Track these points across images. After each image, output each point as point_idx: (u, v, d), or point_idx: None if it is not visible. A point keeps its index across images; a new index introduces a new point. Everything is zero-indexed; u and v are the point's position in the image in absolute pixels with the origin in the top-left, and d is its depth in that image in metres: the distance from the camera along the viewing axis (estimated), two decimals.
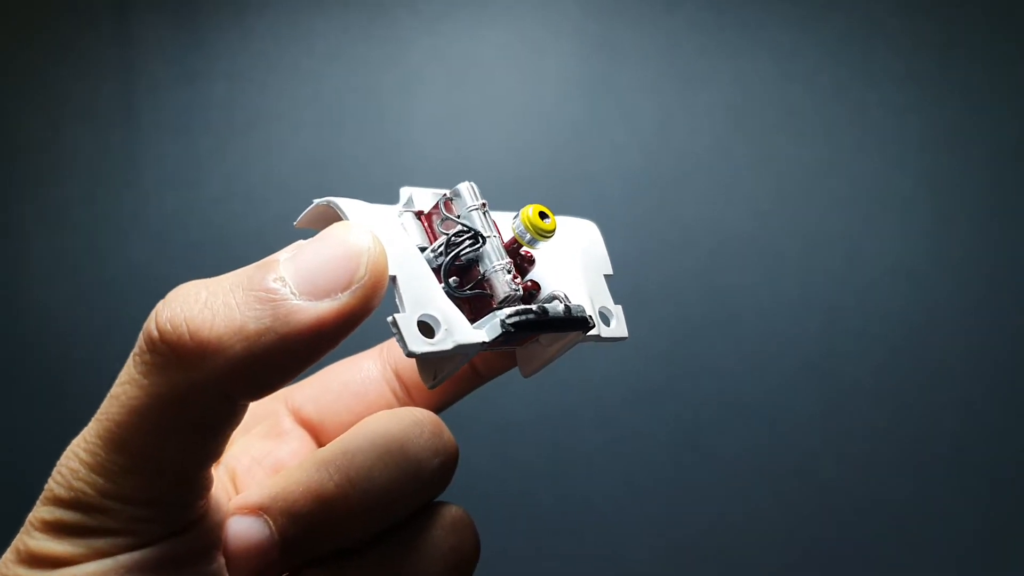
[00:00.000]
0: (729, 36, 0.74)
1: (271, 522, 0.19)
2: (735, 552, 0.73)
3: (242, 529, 0.19)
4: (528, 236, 0.21)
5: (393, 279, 0.19)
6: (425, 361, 0.21)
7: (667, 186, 0.75)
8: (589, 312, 0.22)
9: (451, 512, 0.22)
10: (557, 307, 0.21)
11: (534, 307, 0.20)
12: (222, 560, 0.20)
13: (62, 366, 0.81)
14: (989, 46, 0.72)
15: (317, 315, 0.17)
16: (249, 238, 0.79)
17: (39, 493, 0.20)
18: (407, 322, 0.19)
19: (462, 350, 0.19)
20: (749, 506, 0.73)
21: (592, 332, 0.22)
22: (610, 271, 0.24)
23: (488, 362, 0.24)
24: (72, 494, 0.18)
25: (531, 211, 0.21)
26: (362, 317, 0.18)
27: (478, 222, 0.22)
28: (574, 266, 0.23)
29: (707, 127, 0.75)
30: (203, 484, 0.19)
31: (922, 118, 0.73)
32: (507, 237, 0.22)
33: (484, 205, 0.22)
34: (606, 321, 0.23)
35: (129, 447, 0.18)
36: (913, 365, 0.72)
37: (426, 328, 0.19)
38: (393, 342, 0.24)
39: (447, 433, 0.22)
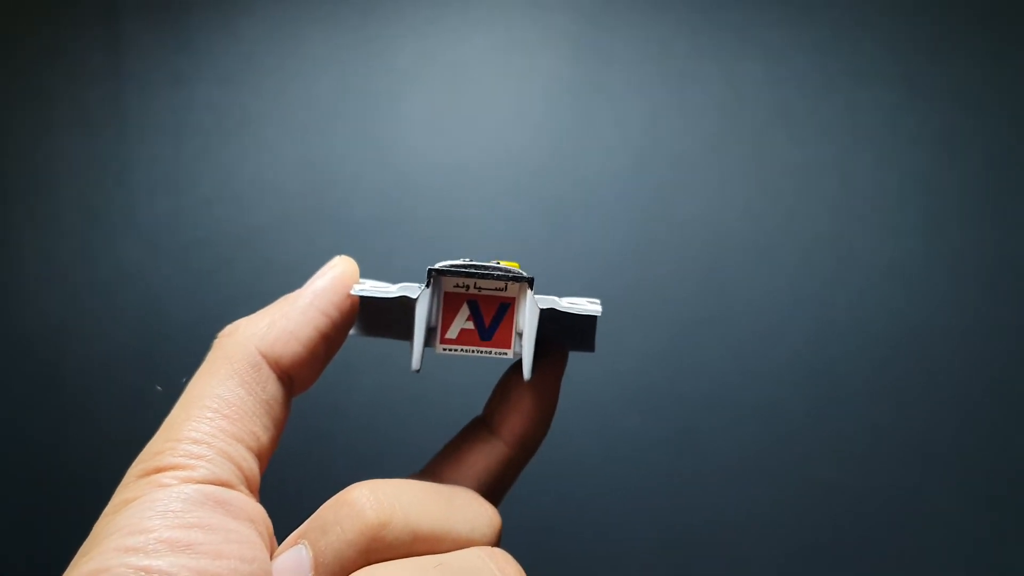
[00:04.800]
0: (719, 37, 0.75)
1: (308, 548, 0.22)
2: (731, 551, 0.73)
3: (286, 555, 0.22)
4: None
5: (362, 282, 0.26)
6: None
7: (659, 187, 0.75)
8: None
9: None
10: (492, 264, 0.24)
11: (466, 260, 0.24)
12: (261, 529, 0.22)
13: (54, 367, 0.81)
14: (980, 45, 0.73)
15: (310, 287, 0.26)
16: (239, 240, 0.79)
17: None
18: (358, 288, 0.26)
19: (404, 289, 0.25)
20: (744, 505, 0.73)
21: (543, 297, 0.25)
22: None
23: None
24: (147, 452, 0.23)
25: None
26: (333, 288, 0.26)
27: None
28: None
29: (698, 128, 0.75)
30: (248, 441, 0.23)
31: (913, 117, 0.73)
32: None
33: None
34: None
35: (184, 403, 0.23)
36: (906, 363, 0.72)
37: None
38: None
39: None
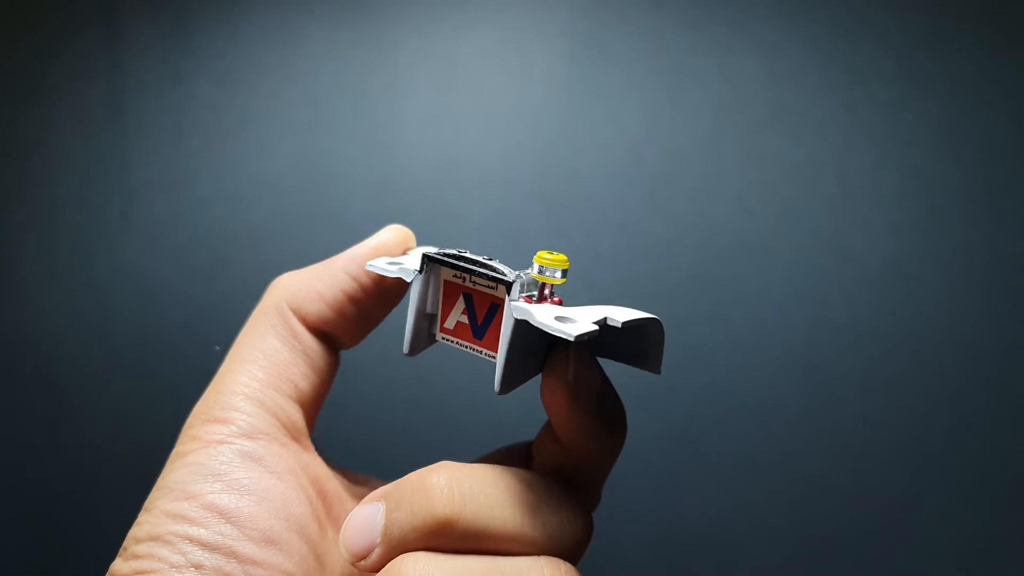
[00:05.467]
0: (717, 33, 0.75)
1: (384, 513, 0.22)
2: (725, 548, 0.73)
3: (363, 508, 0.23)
4: (538, 267, 0.23)
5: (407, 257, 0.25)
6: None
7: (656, 184, 0.75)
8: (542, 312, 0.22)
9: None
10: (482, 259, 0.23)
11: (456, 251, 0.23)
12: (302, 480, 0.24)
13: (51, 365, 0.81)
14: (979, 41, 0.73)
15: (349, 251, 0.26)
16: (238, 238, 0.79)
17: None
18: (377, 261, 0.25)
19: (402, 272, 0.24)
20: (739, 502, 0.73)
21: (520, 306, 0.22)
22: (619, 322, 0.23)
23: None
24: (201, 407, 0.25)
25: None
26: (368, 255, 0.26)
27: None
28: (590, 309, 0.23)
29: (695, 124, 0.75)
30: (290, 393, 0.25)
31: (912, 114, 0.73)
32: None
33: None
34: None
35: (233, 358, 0.25)
36: (903, 362, 0.72)
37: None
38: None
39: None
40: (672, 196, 0.75)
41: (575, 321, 0.21)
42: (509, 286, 0.22)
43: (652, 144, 0.75)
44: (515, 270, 0.24)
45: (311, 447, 0.26)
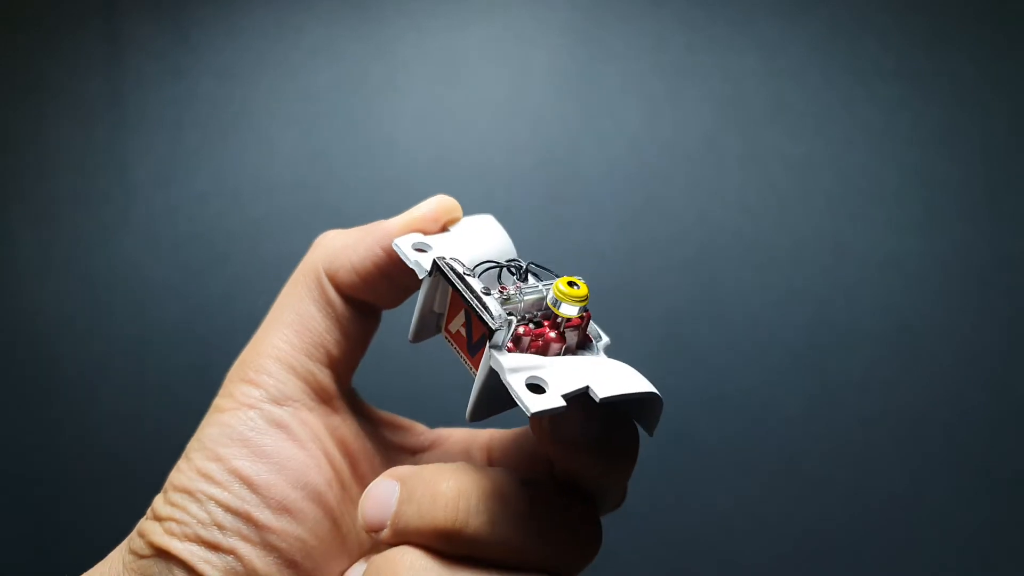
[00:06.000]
0: (717, 31, 0.74)
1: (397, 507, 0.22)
2: (725, 547, 0.73)
3: (380, 486, 0.23)
4: (552, 297, 0.23)
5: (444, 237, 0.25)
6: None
7: (655, 181, 0.75)
8: (519, 374, 0.20)
9: None
10: (481, 291, 0.22)
11: (466, 269, 0.23)
12: (327, 444, 0.25)
13: (49, 361, 0.81)
14: (978, 40, 0.73)
15: (390, 220, 0.26)
16: (237, 233, 0.79)
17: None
18: (405, 240, 0.24)
19: (415, 266, 0.24)
20: (738, 500, 0.73)
21: (496, 357, 0.21)
22: (598, 397, 0.21)
23: None
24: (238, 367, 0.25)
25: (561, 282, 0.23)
26: (403, 228, 0.25)
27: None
28: (592, 365, 0.22)
29: (695, 122, 0.75)
30: (321, 360, 0.25)
31: (911, 113, 0.73)
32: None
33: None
34: (538, 390, 0.20)
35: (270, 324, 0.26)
36: (902, 360, 0.72)
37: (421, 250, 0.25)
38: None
39: None
40: (672, 193, 0.75)
41: (547, 390, 0.20)
42: (492, 333, 0.21)
43: (652, 141, 0.75)
44: (540, 280, 0.24)
45: (342, 407, 0.26)
